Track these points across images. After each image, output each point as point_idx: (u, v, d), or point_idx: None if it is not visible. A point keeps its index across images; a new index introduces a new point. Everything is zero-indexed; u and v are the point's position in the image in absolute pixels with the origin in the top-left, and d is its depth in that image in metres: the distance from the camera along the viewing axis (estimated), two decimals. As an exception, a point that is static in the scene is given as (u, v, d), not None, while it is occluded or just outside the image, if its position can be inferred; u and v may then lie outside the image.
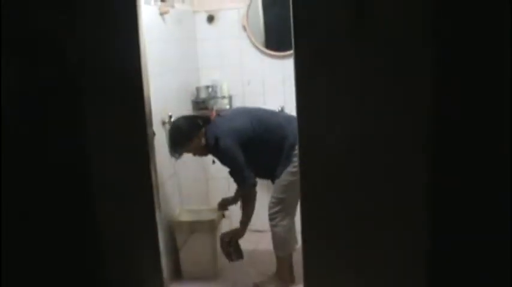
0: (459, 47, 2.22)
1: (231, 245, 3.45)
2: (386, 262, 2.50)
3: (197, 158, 3.68)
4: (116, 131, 2.65)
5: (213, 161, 3.48)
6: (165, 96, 3.59)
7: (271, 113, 3.50)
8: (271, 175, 3.37)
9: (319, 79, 2.39)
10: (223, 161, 3.35)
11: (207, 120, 3.40)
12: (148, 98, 2.64)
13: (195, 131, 3.33)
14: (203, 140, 3.34)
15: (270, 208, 3.33)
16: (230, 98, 4.33)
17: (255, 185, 3.31)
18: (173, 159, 3.48)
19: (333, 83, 2.38)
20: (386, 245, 2.48)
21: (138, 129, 2.63)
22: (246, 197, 3.36)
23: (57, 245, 2.80)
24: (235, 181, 3.37)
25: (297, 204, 3.29)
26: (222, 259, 3.80)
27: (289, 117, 3.37)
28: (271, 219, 3.33)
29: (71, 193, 2.80)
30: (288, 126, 3.24)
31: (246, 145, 3.26)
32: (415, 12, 2.21)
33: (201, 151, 3.42)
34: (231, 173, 3.37)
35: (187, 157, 3.60)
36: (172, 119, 3.64)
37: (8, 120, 2.62)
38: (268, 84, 4.25)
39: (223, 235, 3.47)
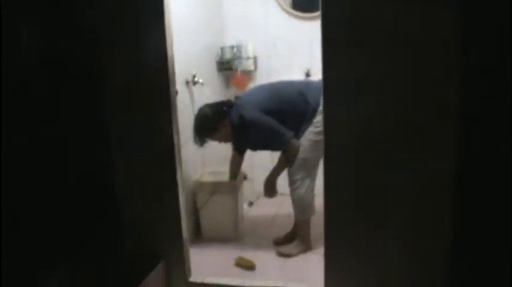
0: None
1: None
2: (404, 232, 2.50)
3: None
4: (139, 90, 2.66)
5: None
6: (189, 56, 3.56)
7: (289, 83, 3.42)
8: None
9: (347, 48, 2.36)
10: (255, 133, 3.28)
11: (230, 105, 3.36)
12: (172, 57, 2.63)
13: (222, 118, 3.31)
14: (228, 126, 3.32)
15: (291, 171, 3.30)
16: (255, 59, 4.28)
17: (295, 136, 3.27)
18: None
19: (360, 53, 2.35)
20: (406, 215, 2.48)
21: (161, 88, 2.63)
22: (291, 151, 3.28)
23: (79, 202, 2.83)
24: (277, 144, 3.30)
25: (317, 166, 3.27)
26: (244, 220, 3.83)
27: (308, 84, 3.32)
28: (292, 182, 3.31)
29: (92, 151, 2.82)
30: (308, 93, 3.21)
31: (269, 114, 3.23)
32: None
33: (227, 137, 3.41)
34: (269, 140, 3.31)
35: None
36: (196, 79, 3.63)
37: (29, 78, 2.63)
38: (294, 46, 4.19)
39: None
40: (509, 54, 2.15)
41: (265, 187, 3.46)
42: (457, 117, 2.28)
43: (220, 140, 3.42)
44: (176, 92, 2.74)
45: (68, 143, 2.82)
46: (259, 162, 4.35)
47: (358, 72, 2.36)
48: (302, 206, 3.35)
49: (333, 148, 2.50)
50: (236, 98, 3.45)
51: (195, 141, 3.38)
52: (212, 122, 3.31)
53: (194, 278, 2.92)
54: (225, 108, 3.33)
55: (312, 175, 3.31)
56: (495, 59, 2.21)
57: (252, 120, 3.22)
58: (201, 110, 3.39)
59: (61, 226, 2.86)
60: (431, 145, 2.36)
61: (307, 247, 3.44)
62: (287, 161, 3.31)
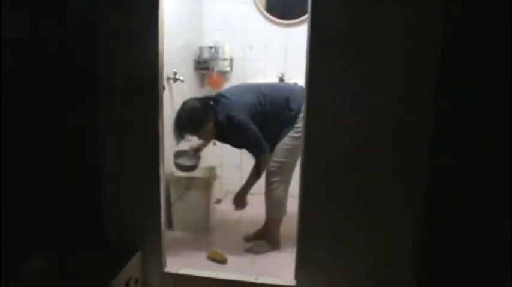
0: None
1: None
2: (374, 234, 2.67)
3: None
4: (129, 83, 2.74)
5: (214, 143, 3.57)
6: (170, 54, 3.63)
7: (274, 86, 3.51)
8: (274, 144, 3.40)
9: (331, 55, 2.50)
10: (238, 136, 3.34)
11: (216, 101, 3.35)
12: (162, 54, 2.72)
13: (209, 113, 3.30)
14: (213, 122, 3.31)
15: (269, 172, 3.42)
16: (231, 60, 4.39)
17: (274, 142, 3.37)
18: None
19: (343, 62, 2.49)
20: (376, 218, 2.64)
21: (151, 83, 2.71)
22: (263, 163, 3.38)
23: (62, 191, 2.89)
24: (254, 152, 3.37)
25: (293, 170, 3.39)
26: (214, 217, 3.93)
27: (292, 89, 3.39)
28: (269, 184, 3.43)
29: (78, 141, 2.88)
30: (292, 98, 3.30)
31: (254, 120, 3.29)
32: None
33: (209, 135, 3.42)
34: (249, 146, 3.38)
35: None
36: (177, 76, 3.72)
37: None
38: (269, 51, 4.30)
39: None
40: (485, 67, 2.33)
41: (236, 200, 3.53)
42: (432, 127, 2.45)
43: (202, 136, 3.43)
44: (163, 88, 2.83)
45: (55, 131, 2.87)
46: (229, 161, 4.48)
47: (341, 79, 2.51)
48: (276, 206, 3.48)
49: (311, 152, 2.65)
50: (220, 95, 3.41)
51: (175, 136, 3.34)
52: (200, 115, 3.28)
53: (169, 269, 3.01)
54: (212, 103, 3.33)
55: (288, 178, 3.45)
56: (473, 72, 2.39)
57: (239, 124, 3.25)
58: (187, 103, 3.35)
59: (43, 214, 2.91)
60: (406, 152, 2.54)
61: (276, 245, 3.57)
62: (258, 174, 3.41)
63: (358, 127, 2.56)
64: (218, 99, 3.36)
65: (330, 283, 2.78)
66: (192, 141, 3.53)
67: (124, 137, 2.83)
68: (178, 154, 3.61)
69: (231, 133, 3.33)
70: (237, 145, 3.50)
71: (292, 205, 3.04)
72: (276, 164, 3.38)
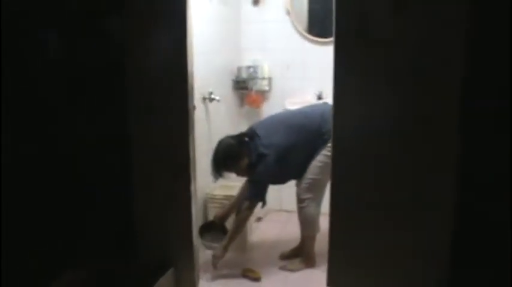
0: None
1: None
2: (407, 251, 2.61)
3: (232, 132, 3.80)
4: (159, 103, 2.81)
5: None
6: (207, 74, 3.71)
7: (306, 114, 3.50)
8: (303, 169, 3.43)
9: (357, 70, 2.50)
10: (256, 175, 3.39)
11: (250, 136, 3.40)
12: (192, 74, 2.78)
13: (244, 149, 3.35)
14: (247, 161, 3.36)
15: (301, 189, 3.44)
16: (270, 79, 4.43)
17: (260, 206, 3.47)
18: (209, 135, 3.62)
19: (370, 75, 2.49)
20: (408, 237, 2.59)
21: (180, 102, 2.77)
22: (246, 213, 3.43)
23: (96, 207, 2.98)
24: (252, 193, 3.42)
25: (325, 188, 3.38)
26: (252, 234, 3.95)
27: (322, 111, 3.37)
28: (300, 201, 3.45)
29: (112, 160, 2.97)
30: (323, 122, 3.29)
31: (285, 156, 3.33)
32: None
33: (245, 172, 3.44)
34: (253, 185, 3.43)
35: (221, 131, 3.73)
36: (212, 96, 3.78)
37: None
38: (307, 69, 4.33)
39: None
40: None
41: (217, 257, 3.44)
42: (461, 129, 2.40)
43: (238, 172, 3.43)
44: (194, 107, 2.89)
45: (90, 150, 2.97)
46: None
47: (368, 90, 2.51)
48: (308, 224, 3.49)
49: (341, 169, 2.64)
50: (253, 132, 3.43)
51: (213, 173, 3.39)
52: (236, 152, 3.33)
53: (201, 285, 3.04)
54: (246, 139, 3.38)
55: (320, 195, 3.45)
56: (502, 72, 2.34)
57: (265, 167, 3.32)
58: (223, 141, 3.39)
59: (78, 232, 3.01)
60: (435, 161, 2.49)
61: (311, 263, 3.56)
62: (238, 225, 3.44)
63: (388, 139, 2.53)
64: (252, 135, 3.39)
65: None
66: (230, 177, 3.57)
67: (156, 156, 2.89)
68: (205, 228, 3.60)
69: (256, 169, 3.36)
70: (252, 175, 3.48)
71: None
72: (308, 181, 3.39)
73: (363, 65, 2.49)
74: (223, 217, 3.63)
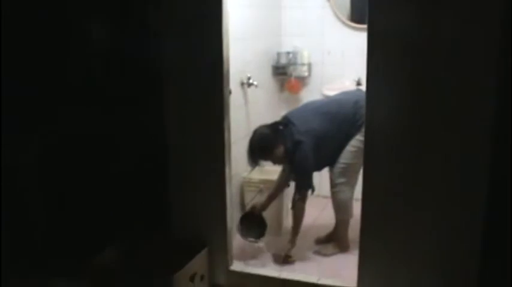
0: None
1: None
2: (436, 238, 2.63)
3: (271, 117, 3.84)
4: (195, 87, 2.89)
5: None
6: (245, 59, 3.76)
7: (339, 102, 3.50)
8: (338, 156, 3.46)
9: (390, 59, 2.52)
10: (298, 165, 3.40)
11: (285, 125, 3.41)
12: (227, 58, 2.84)
13: (279, 137, 3.36)
14: (283, 149, 3.37)
15: (335, 174, 3.46)
16: (309, 65, 4.45)
17: (310, 193, 3.45)
18: (247, 119, 3.66)
19: (402, 65, 2.50)
20: (439, 222, 2.60)
21: (216, 87, 2.84)
22: (300, 205, 3.44)
23: (137, 189, 3.11)
24: (300, 184, 3.42)
25: (358, 173, 3.40)
26: (287, 219, 4.00)
27: (356, 99, 3.37)
28: (333, 186, 3.48)
29: (150, 144, 3.08)
30: (357, 109, 3.30)
31: (320, 144, 3.35)
32: None
33: (281, 160, 3.46)
34: (299, 176, 3.44)
35: (260, 117, 3.80)
36: (250, 81, 3.84)
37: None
38: (347, 56, 4.33)
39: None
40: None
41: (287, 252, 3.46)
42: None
43: (274, 160, 3.45)
44: (230, 92, 2.95)
45: (127, 133, 3.09)
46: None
47: (400, 81, 2.52)
48: (342, 208, 3.52)
49: (372, 156, 2.68)
50: (288, 120, 3.44)
51: (249, 162, 3.43)
52: (270, 141, 3.35)
53: (235, 267, 3.13)
54: (281, 127, 3.40)
55: (353, 180, 3.47)
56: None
57: (303, 155, 3.32)
58: (258, 130, 3.41)
59: (119, 212, 3.15)
60: (465, 149, 2.49)
61: (345, 247, 3.60)
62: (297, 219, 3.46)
63: (419, 126, 2.57)
64: (286, 123, 3.41)
65: (390, 284, 2.78)
66: (265, 165, 3.61)
67: (193, 139, 2.97)
68: (244, 219, 3.59)
69: (294, 159, 3.37)
70: (294, 167, 3.49)
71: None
72: (341, 166, 3.42)
73: (396, 59, 2.54)
74: (262, 207, 3.65)
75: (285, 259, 3.41)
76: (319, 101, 3.77)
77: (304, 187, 3.39)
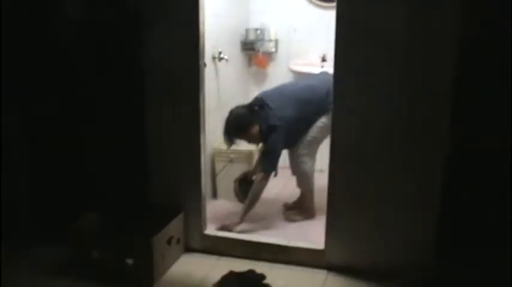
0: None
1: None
2: (399, 203, 2.86)
3: (239, 94, 4.01)
4: (172, 60, 3.01)
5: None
6: (216, 35, 3.90)
7: (313, 88, 3.64)
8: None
9: (357, 48, 2.75)
10: (269, 148, 3.57)
11: (260, 106, 3.56)
12: (203, 34, 2.98)
13: (254, 118, 3.52)
14: (258, 129, 3.52)
15: (300, 146, 3.65)
16: (276, 42, 4.61)
17: (272, 175, 3.59)
18: (218, 92, 3.81)
19: (368, 52, 2.74)
20: (401, 189, 2.83)
21: (192, 60, 2.98)
22: (261, 184, 3.57)
23: (116, 156, 3.25)
24: (267, 166, 3.57)
25: (319, 146, 3.66)
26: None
27: (327, 84, 3.42)
28: (297, 156, 3.67)
29: (128, 113, 3.20)
30: (330, 92, 3.32)
31: (292, 128, 3.53)
32: None
33: (256, 139, 3.63)
34: (267, 158, 3.59)
35: (229, 90, 4.01)
36: (221, 56, 4.01)
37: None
38: (313, 32, 4.50)
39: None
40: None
41: (233, 224, 3.54)
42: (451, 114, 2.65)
43: (249, 139, 3.64)
44: (205, 65, 3.09)
45: (107, 106, 3.22)
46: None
47: (366, 69, 2.76)
48: (306, 179, 3.73)
49: (340, 130, 2.89)
50: (263, 102, 3.58)
51: (225, 141, 3.60)
52: (246, 120, 3.51)
53: (208, 231, 3.29)
54: (256, 107, 3.55)
55: (314, 153, 3.71)
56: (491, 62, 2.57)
57: (274, 136, 3.50)
58: (234, 110, 3.57)
59: (99, 178, 3.30)
60: (427, 130, 2.74)
61: (311, 214, 3.81)
62: (253, 196, 3.59)
63: (383, 110, 2.79)
64: (262, 105, 3.56)
65: (355, 247, 3.01)
66: (240, 144, 3.77)
67: (168, 110, 3.11)
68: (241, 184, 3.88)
69: (267, 139, 3.54)
70: (265, 147, 3.68)
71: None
72: (309, 139, 3.62)
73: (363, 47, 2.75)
74: (252, 173, 3.88)
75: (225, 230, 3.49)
76: (293, 85, 3.91)
77: (270, 169, 3.55)
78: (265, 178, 3.55)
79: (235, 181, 3.89)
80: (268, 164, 3.56)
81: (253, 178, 3.77)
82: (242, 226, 3.55)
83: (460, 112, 2.65)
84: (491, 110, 2.67)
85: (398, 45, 2.67)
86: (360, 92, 2.80)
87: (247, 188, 3.70)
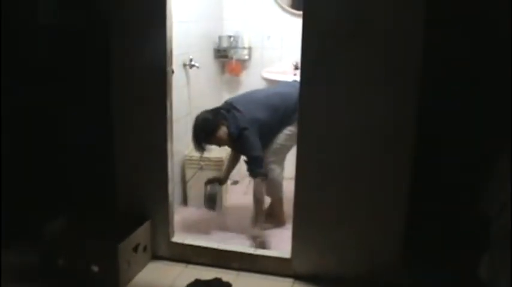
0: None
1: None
2: (361, 211, 2.87)
3: (211, 101, 4.00)
4: (140, 68, 3.01)
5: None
6: (188, 42, 3.90)
7: (282, 95, 3.64)
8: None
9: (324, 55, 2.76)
10: (245, 149, 3.55)
11: (227, 109, 3.55)
12: (170, 39, 2.97)
13: (221, 120, 3.49)
14: (226, 131, 3.50)
15: (268, 153, 3.64)
16: (250, 49, 4.61)
17: (266, 175, 3.58)
18: (189, 99, 3.80)
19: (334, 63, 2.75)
20: (363, 197, 2.84)
21: (159, 66, 2.97)
22: (260, 186, 3.57)
23: (81, 165, 3.22)
24: (251, 167, 3.54)
25: (287, 153, 3.66)
26: (228, 197, 4.17)
27: (296, 93, 3.28)
28: (266, 163, 3.63)
29: (95, 122, 3.19)
30: (296, 103, 3.32)
31: (261, 132, 3.52)
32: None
33: (225, 142, 3.59)
34: (252, 162, 3.53)
35: (201, 97, 3.99)
36: (192, 63, 3.99)
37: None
38: (286, 40, 4.51)
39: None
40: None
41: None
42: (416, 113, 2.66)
43: (218, 142, 3.60)
44: (172, 71, 3.08)
45: (72, 113, 3.21)
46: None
47: (331, 76, 2.77)
48: (275, 187, 3.72)
49: (305, 137, 2.90)
50: (231, 106, 3.58)
51: (195, 148, 3.58)
52: (211, 124, 3.47)
53: (176, 239, 3.27)
54: (222, 111, 3.54)
55: (283, 161, 3.72)
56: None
57: (248, 138, 3.48)
58: (199, 116, 3.54)
59: (62, 183, 3.25)
60: (394, 136, 2.75)
61: (281, 223, 3.81)
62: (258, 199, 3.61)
63: (350, 119, 2.80)
64: (229, 109, 3.55)
65: (322, 255, 3.00)
66: (211, 150, 3.76)
67: (136, 117, 3.09)
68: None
69: (240, 143, 3.53)
70: (244, 153, 3.66)
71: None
72: (276, 147, 3.62)
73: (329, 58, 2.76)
74: (224, 180, 3.92)
75: (261, 245, 3.47)
76: (262, 91, 3.91)
77: (258, 171, 3.52)
78: (260, 181, 3.55)
79: (205, 184, 3.82)
80: (254, 167, 3.52)
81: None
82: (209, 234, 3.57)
83: (426, 116, 2.67)
84: (460, 113, 2.70)
85: (369, 51, 2.69)
86: (324, 100, 2.81)
87: (212, 188, 3.74)
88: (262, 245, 3.44)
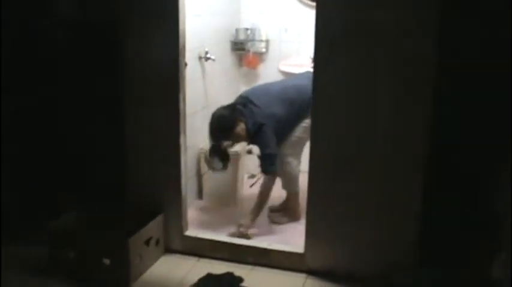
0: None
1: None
2: (376, 206, 2.83)
3: (228, 94, 3.98)
4: (152, 60, 2.99)
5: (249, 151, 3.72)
6: (203, 35, 3.88)
7: (299, 88, 3.58)
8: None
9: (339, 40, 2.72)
10: (260, 145, 3.52)
11: (243, 104, 3.52)
12: (183, 32, 2.95)
13: (238, 117, 3.45)
14: (244, 127, 3.47)
15: (285, 145, 3.60)
16: (267, 42, 4.57)
17: (276, 173, 3.54)
18: (205, 92, 3.78)
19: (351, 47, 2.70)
20: (378, 190, 2.80)
21: (172, 60, 2.95)
22: (269, 185, 3.54)
23: (96, 158, 3.23)
24: (264, 163, 3.51)
25: (304, 147, 3.59)
26: (244, 190, 4.15)
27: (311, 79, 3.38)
28: (283, 157, 3.61)
29: (107, 113, 3.19)
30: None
31: (279, 127, 3.49)
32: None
33: (243, 138, 3.56)
34: (265, 157, 3.50)
35: (218, 90, 3.98)
36: (208, 55, 3.97)
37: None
38: (303, 33, 4.46)
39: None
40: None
41: (245, 226, 3.50)
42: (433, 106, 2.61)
43: (235, 139, 3.57)
44: (185, 64, 3.06)
45: (86, 107, 3.21)
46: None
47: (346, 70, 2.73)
48: (291, 180, 3.69)
49: (320, 130, 2.87)
50: (248, 100, 3.54)
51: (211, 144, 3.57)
52: (229, 121, 3.43)
53: (189, 232, 3.26)
54: (239, 106, 3.50)
55: (299, 153, 3.66)
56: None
57: (266, 133, 3.44)
58: (216, 112, 3.50)
59: (79, 177, 3.26)
60: (405, 126, 2.70)
61: (297, 217, 3.77)
62: (262, 198, 3.55)
63: (363, 111, 2.76)
64: (245, 103, 3.52)
65: (335, 250, 2.98)
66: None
67: (149, 109, 3.08)
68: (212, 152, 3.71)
69: (256, 139, 3.51)
70: (259, 148, 3.61)
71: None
72: (294, 139, 3.58)
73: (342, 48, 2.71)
74: (227, 146, 3.72)
75: (242, 235, 3.45)
76: (278, 84, 3.85)
77: (270, 168, 3.49)
78: (271, 179, 3.52)
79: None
80: (267, 164, 3.50)
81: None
82: (226, 229, 3.54)
83: (441, 114, 2.62)
84: (473, 114, 2.64)
85: (380, 45, 2.64)
86: (340, 93, 2.77)
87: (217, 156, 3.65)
88: (244, 236, 3.41)
